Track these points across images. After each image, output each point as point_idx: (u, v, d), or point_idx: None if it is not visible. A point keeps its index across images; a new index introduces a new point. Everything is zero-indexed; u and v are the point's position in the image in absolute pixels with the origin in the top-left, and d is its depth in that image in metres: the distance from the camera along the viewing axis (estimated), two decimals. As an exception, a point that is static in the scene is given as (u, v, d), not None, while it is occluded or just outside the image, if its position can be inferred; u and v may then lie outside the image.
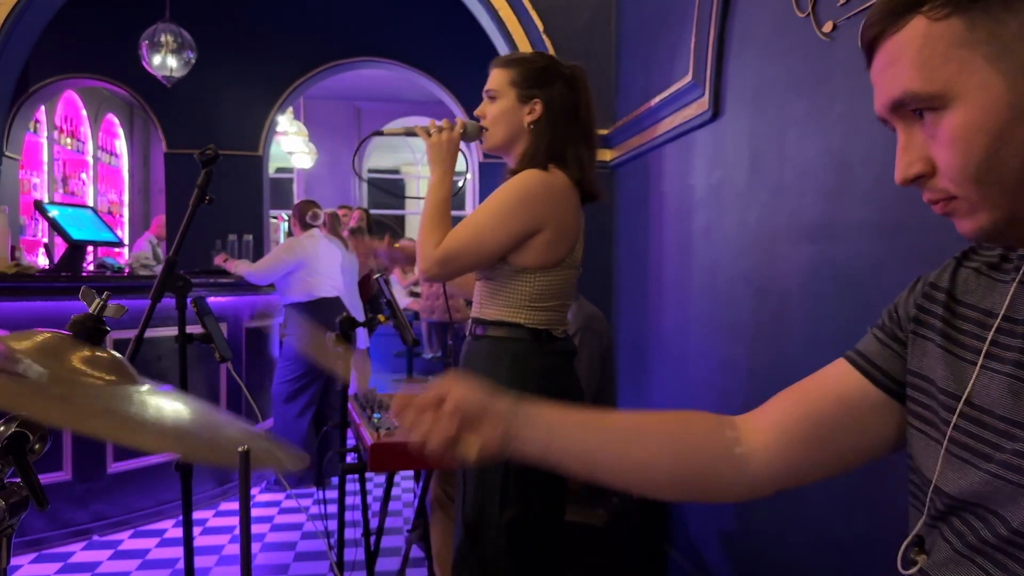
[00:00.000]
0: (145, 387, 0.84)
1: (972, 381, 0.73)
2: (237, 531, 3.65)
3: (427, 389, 0.88)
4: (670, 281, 3.13)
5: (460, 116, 5.94)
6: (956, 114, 0.68)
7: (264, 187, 6.50)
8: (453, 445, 0.87)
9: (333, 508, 2.63)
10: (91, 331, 0.83)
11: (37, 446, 0.77)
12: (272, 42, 6.39)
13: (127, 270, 5.20)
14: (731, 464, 0.89)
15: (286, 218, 9.51)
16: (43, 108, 7.00)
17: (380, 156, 11.36)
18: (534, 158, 1.82)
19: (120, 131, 8.86)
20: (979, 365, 0.73)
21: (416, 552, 2.91)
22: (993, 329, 0.73)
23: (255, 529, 3.82)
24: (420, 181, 11.31)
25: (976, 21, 0.67)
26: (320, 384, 4.55)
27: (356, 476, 2.39)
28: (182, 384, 2.13)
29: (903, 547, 0.79)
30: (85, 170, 8.18)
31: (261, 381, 4.75)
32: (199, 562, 3.31)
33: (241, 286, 4.54)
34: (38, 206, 4.20)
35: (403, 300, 8.20)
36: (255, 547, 3.63)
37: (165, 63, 4.99)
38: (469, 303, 2.08)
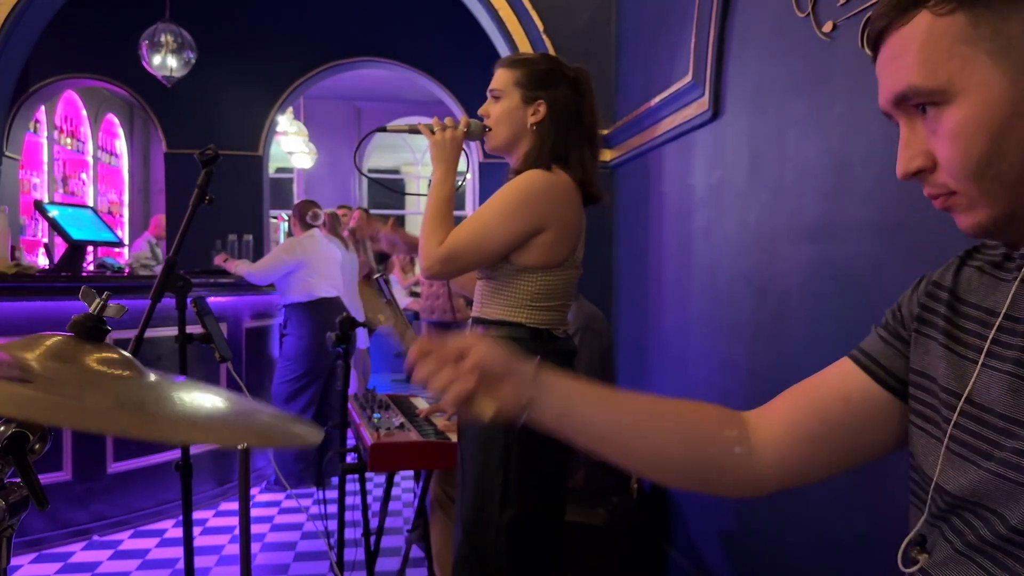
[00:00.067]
0: (161, 380, 0.84)
1: (973, 379, 0.74)
2: (237, 531, 3.66)
3: (449, 342, 0.85)
4: (670, 281, 3.13)
5: (459, 116, 5.94)
6: (957, 109, 0.68)
7: (264, 187, 6.50)
8: (470, 402, 0.84)
9: (333, 508, 2.63)
10: (92, 331, 0.83)
11: (37, 446, 0.77)
12: (272, 42, 6.39)
13: (127, 270, 5.20)
14: (734, 461, 0.89)
15: (286, 218, 9.51)
16: (43, 108, 6.99)
17: (380, 156, 11.36)
18: (537, 159, 1.82)
19: (120, 131, 8.86)
20: (980, 363, 0.74)
21: (416, 552, 2.91)
22: (994, 328, 0.74)
23: (255, 529, 3.82)
24: (420, 181, 11.31)
25: (980, 17, 0.67)
26: (320, 384, 4.55)
27: (356, 476, 2.39)
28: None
29: (903, 546, 0.79)
30: (85, 170, 8.18)
31: (261, 381, 4.75)
32: (199, 562, 3.31)
33: (241, 286, 4.54)
34: (38, 206, 4.20)
35: (403, 300, 8.20)
36: (255, 547, 3.63)
37: (165, 63, 4.99)
38: (469, 303, 2.08)
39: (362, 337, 5.69)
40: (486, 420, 0.85)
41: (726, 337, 2.59)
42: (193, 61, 5.11)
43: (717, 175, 2.68)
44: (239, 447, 0.75)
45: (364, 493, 2.51)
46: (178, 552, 3.46)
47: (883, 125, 1.70)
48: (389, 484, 2.84)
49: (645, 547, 3.15)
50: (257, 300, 4.82)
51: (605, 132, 3.68)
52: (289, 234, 5.04)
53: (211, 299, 4.05)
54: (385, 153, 11.36)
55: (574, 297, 2.31)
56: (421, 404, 2.92)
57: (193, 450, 2.26)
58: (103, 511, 3.70)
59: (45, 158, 7.35)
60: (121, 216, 8.87)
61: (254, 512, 4.09)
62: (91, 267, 4.81)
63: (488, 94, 1.90)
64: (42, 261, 6.05)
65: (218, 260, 4.74)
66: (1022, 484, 0.67)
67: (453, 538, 1.89)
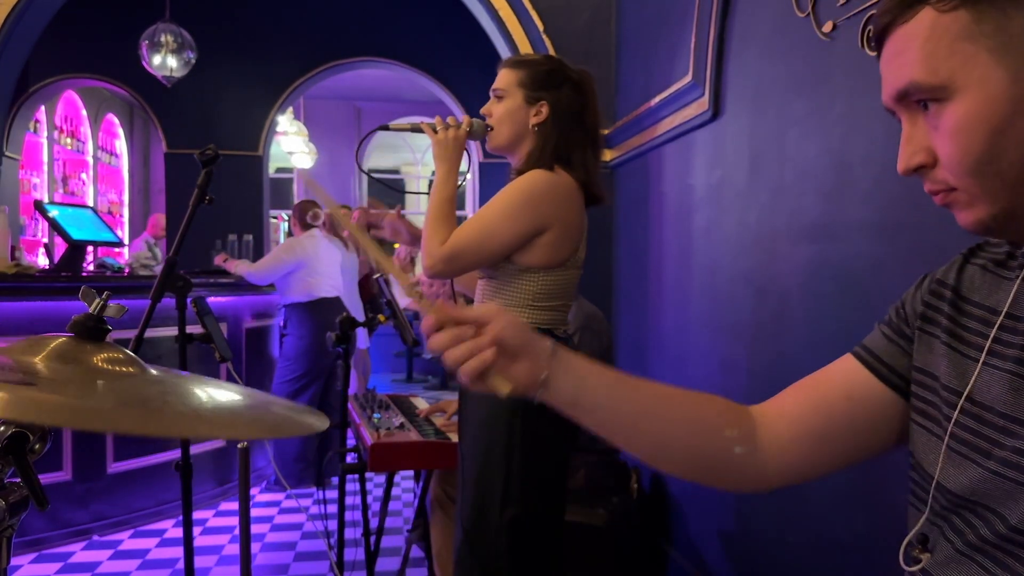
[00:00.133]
0: (163, 375, 0.84)
1: (974, 378, 0.74)
2: (237, 531, 3.66)
3: (466, 312, 0.83)
4: (670, 281, 3.13)
5: (460, 116, 5.94)
6: (958, 106, 0.69)
7: (264, 187, 6.50)
8: (486, 376, 0.82)
9: (333, 508, 2.63)
10: (92, 331, 0.83)
11: (37, 446, 0.77)
12: (272, 42, 6.39)
13: (127, 270, 5.20)
14: (735, 459, 0.90)
15: (286, 218, 9.51)
16: (43, 108, 7.00)
17: (380, 156, 11.36)
18: (540, 159, 1.82)
19: (120, 131, 8.86)
20: (981, 362, 0.74)
21: (416, 552, 2.92)
22: (996, 326, 0.74)
23: (255, 529, 3.82)
24: (420, 180, 11.31)
25: (983, 14, 0.67)
26: (320, 384, 4.55)
27: (356, 476, 2.39)
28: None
29: (904, 544, 0.79)
30: (85, 170, 8.18)
31: (261, 381, 4.75)
32: (199, 562, 3.31)
33: (241, 286, 4.54)
34: (38, 206, 4.20)
35: (403, 300, 8.20)
36: (255, 547, 3.63)
37: (165, 63, 4.99)
38: (469, 302, 2.08)
39: (362, 337, 5.69)
40: (502, 394, 0.83)
41: (726, 337, 2.59)
42: (193, 61, 5.11)
43: (717, 175, 2.68)
44: (239, 445, 0.75)
45: (364, 493, 2.51)
46: (178, 552, 3.46)
47: (883, 125, 1.70)
48: (389, 484, 2.84)
49: (645, 547, 3.15)
50: (257, 300, 4.82)
51: (605, 132, 3.68)
52: (289, 234, 5.04)
53: (211, 299, 4.05)
54: (385, 153, 11.36)
55: (574, 297, 2.31)
56: (421, 404, 2.92)
57: (193, 450, 2.26)
58: (103, 511, 3.70)
59: (45, 158, 7.35)
60: (121, 216, 8.88)
61: (254, 512, 4.09)
62: (91, 267, 4.81)
63: (491, 94, 1.91)
64: (42, 261, 6.05)
65: (218, 260, 4.74)
66: (1022, 484, 0.67)
67: (453, 538, 1.89)
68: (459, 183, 1.90)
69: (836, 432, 0.87)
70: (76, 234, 3.85)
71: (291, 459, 4.48)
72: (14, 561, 3.35)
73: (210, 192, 2.05)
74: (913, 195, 1.58)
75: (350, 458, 2.36)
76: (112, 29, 6.03)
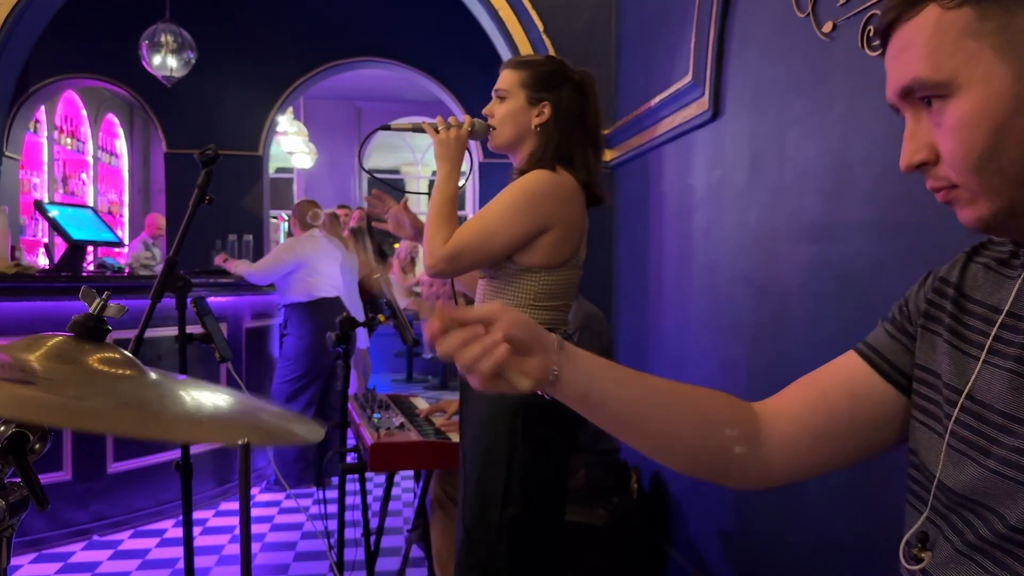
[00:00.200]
0: (162, 378, 0.84)
1: (974, 376, 0.74)
2: (237, 531, 3.66)
3: (471, 311, 0.81)
4: (670, 281, 3.13)
5: (460, 116, 5.94)
6: (961, 103, 0.69)
7: (264, 187, 6.50)
8: (501, 374, 0.80)
9: (333, 508, 2.63)
10: (92, 331, 0.83)
11: (37, 446, 0.77)
12: (272, 42, 6.39)
13: (127, 270, 5.21)
14: (737, 458, 0.89)
15: (286, 218, 9.51)
16: (43, 108, 7.00)
17: (380, 156, 11.37)
18: (541, 159, 1.83)
19: (120, 131, 8.86)
20: (981, 360, 0.74)
21: (416, 552, 2.92)
22: (997, 325, 0.74)
23: (255, 529, 3.82)
24: (420, 181, 11.32)
25: (988, 11, 0.67)
26: (320, 384, 4.55)
27: (356, 476, 2.39)
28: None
29: (904, 542, 0.79)
30: (85, 170, 8.18)
31: (261, 381, 4.75)
32: (199, 562, 3.31)
33: (241, 286, 4.54)
34: (38, 206, 4.20)
35: (403, 300, 8.20)
36: (255, 547, 3.63)
37: (165, 63, 5.00)
38: (469, 302, 2.08)
39: (362, 337, 5.69)
40: (523, 388, 0.81)
41: (726, 337, 2.59)
42: (193, 61, 5.11)
43: (717, 175, 2.68)
44: (239, 442, 0.75)
45: (364, 493, 2.51)
46: (178, 552, 3.46)
47: (883, 125, 1.70)
48: (389, 484, 2.84)
49: (645, 547, 3.15)
50: (257, 300, 4.82)
51: (605, 132, 3.68)
52: (289, 234, 5.05)
53: (211, 299, 4.05)
54: (385, 153, 11.36)
55: (575, 297, 2.31)
56: (421, 404, 2.92)
57: (193, 450, 2.26)
58: (103, 511, 3.70)
59: (45, 158, 7.35)
60: (121, 216, 8.88)
61: (254, 512, 4.09)
62: (91, 267, 4.81)
63: (493, 94, 1.91)
64: (42, 261, 6.05)
65: (218, 260, 4.74)
66: (1020, 483, 0.67)
67: (455, 537, 1.90)
68: (461, 183, 1.90)
69: (837, 429, 0.87)
70: (76, 234, 3.85)
71: (291, 459, 4.49)
72: (14, 561, 3.35)
73: (210, 192, 2.05)
74: (913, 195, 1.58)
75: (350, 458, 2.36)
76: (112, 29, 6.03)
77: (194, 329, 2.09)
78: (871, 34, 1.73)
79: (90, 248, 4.29)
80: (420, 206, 10.83)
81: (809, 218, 2.07)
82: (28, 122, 6.54)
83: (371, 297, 5.61)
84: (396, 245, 7.84)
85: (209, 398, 0.84)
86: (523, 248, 1.79)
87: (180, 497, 2.09)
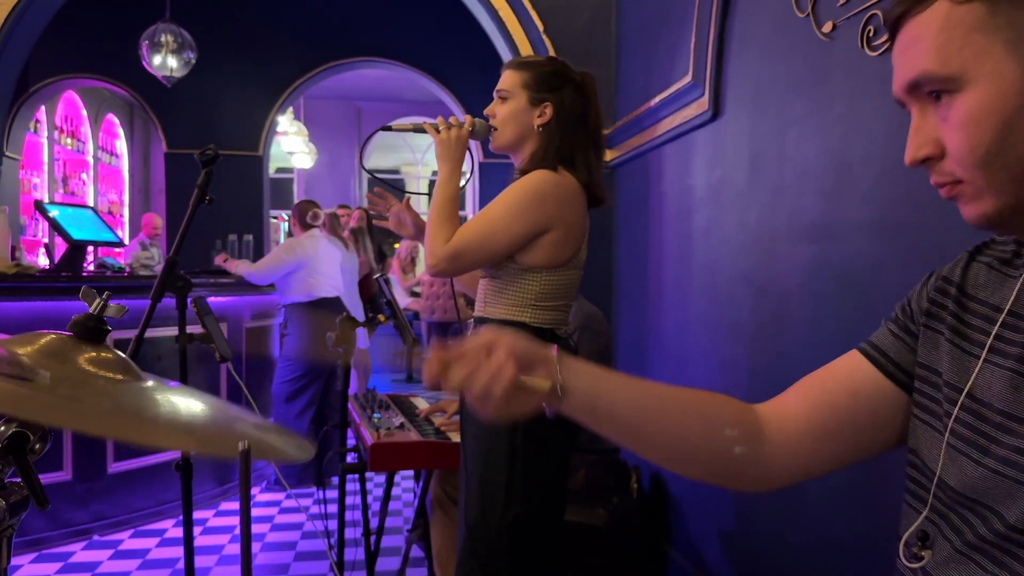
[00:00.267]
0: (152, 384, 0.84)
1: (975, 375, 0.74)
2: (237, 531, 3.66)
3: (467, 342, 0.81)
4: (670, 281, 3.13)
5: (460, 116, 5.95)
6: (969, 97, 0.69)
7: (264, 187, 6.51)
8: (515, 390, 0.80)
9: (333, 508, 2.63)
10: (92, 331, 0.83)
11: (37, 446, 0.77)
12: (272, 42, 6.39)
13: (127, 270, 5.21)
14: (738, 459, 0.89)
15: (286, 218, 9.51)
16: (43, 108, 7.00)
17: (380, 156, 11.37)
18: (543, 159, 1.83)
19: (120, 131, 8.86)
20: (982, 359, 0.74)
21: (416, 552, 2.91)
22: (998, 324, 0.74)
23: (255, 529, 3.82)
24: (420, 181, 11.32)
25: (998, 7, 0.67)
26: (320, 384, 4.55)
27: (356, 476, 2.39)
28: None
29: (903, 541, 0.79)
30: (85, 170, 8.18)
31: (261, 381, 4.75)
32: (199, 562, 3.31)
33: (241, 286, 4.54)
34: (38, 206, 4.20)
35: (403, 300, 8.20)
36: (255, 547, 3.63)
37: (165, 63, 5.00)
38: (470, 302, 2.08)
39: (362, 337, 5.69)
40: (544, 392, 0.82)
41: (726, 337, 2.59)
42: (193, 61, 5.11)
43: (717, 175, 2.68)
44: (240, 447, 0.75)
45: (364, 493, 2.51)
46: (178, 552, 3.46)
47: (883, 125, 1.70)
48: (389, 484, 2.84)
49: (645, 547, 3.15)
50: (257, 300, 4.82)
51: (605, 132, 3.68)
52: (289, 234, 5.04)
53: (211, 299, 4.05)
54: (385, 153, 11.37)
55: (575, 298, 2.32)
56: (421, 404, 2.92)
57: (193, 450, 2.26)
58: (103, 511, 3.70)
59: (45, 158, 7.35)
60: (121, 216, 8.87)
61: (254, 512, 4.09)
62: (91, 267, 4.81)
63: (495, 94, 1.92)
64: (42, 261, 6.06)
65: (218, 260, 4.74)
66: (1020, 482, 0.67)
67: (457, 537, 1.90)
68: (461, 183, 1.91)
69: (838, 429, 0.87)
70: (76, 234, 3.85)
71: (291, 459, 4.48)
72: (14, 561, 3.35)
73: (210, 192, 2.05)
74: (913, 195, 1.58)
75: (350, 458, 2.36)
76: (112, 29, 6.03)
77: (194, 329, 2.09)
78: (871, 34, 1.73)
79: (90, 248, 4.29)
80: (420, 206, 10.83)
81: (809, 218, 2.07)
82: (28, 122, 6.54)
83: (371, 297, 5.61)
84: (396, 245, 7.84)
85: (199, 408, 0.84)
86: (524, 248, 1.80)
87: (180, 497, 2.09)
